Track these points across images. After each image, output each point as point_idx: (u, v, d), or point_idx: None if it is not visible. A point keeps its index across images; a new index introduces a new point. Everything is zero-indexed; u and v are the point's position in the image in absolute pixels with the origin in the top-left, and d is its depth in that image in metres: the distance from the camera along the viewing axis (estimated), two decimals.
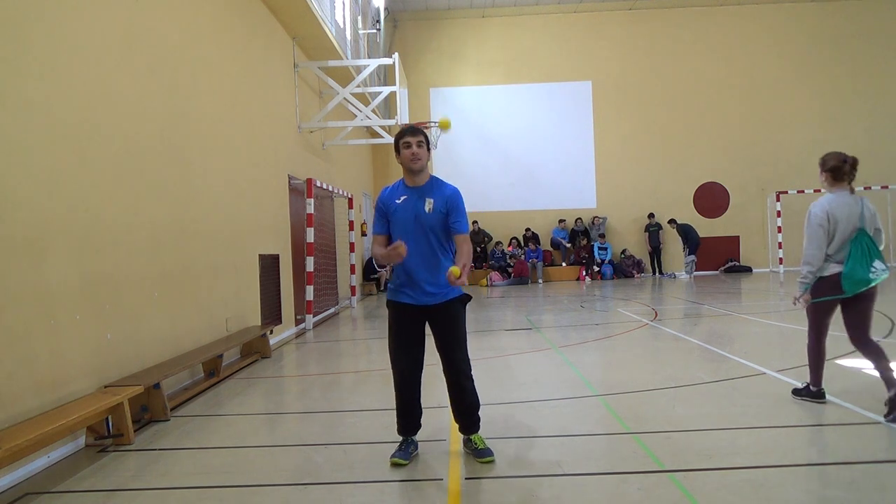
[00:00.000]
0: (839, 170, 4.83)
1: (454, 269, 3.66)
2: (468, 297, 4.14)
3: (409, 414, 4.09)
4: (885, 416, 4.48)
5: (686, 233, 19.07)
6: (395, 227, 4.03)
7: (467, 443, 4.12)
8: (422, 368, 4.09)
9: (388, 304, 4.11)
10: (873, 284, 4.69)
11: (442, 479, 3.75)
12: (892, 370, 4.61)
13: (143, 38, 6.00)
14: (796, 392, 5.19)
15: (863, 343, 4.85)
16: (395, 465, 3.94)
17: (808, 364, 5.08)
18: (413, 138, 3.99)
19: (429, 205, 3.98)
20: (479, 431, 4.12)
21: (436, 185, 4.08)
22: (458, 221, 4.01)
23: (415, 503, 3.46)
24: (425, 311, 4.01)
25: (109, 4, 5.47)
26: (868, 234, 4.70)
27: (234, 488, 3.81)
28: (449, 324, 4.03)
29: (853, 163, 4.82)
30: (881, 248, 4.78)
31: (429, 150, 4.06)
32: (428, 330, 4.09)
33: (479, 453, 3.99)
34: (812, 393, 5.04)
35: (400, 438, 4.14)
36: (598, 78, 20.90)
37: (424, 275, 3.95)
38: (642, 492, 3.46)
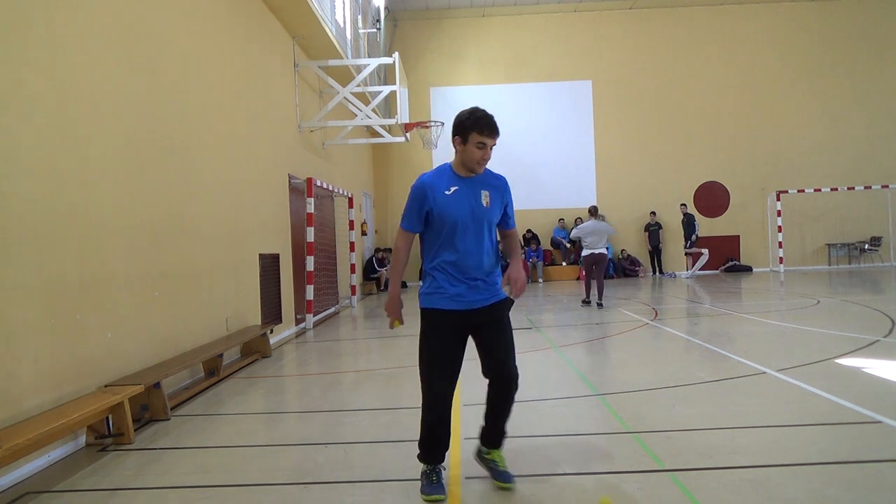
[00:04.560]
0: (591, 213, 12.08)
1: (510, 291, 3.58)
2: (512, 301, 3.70)
3: (440, 439, 3.57)
4: (598, 306, 11.87)
5: (691, 226, 18.97)
6: (445, 221, 3.49)
7: (486, 458, 3.70)
8: (455, 386, 3.60)
9: (425, 312, 3.56)
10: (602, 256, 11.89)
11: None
12: (603, 288, 11.97)
13: (143, 38, 5.99)
14: (584, 302, 12.30)
15: (599, 281, 11.84)
16: (435, 500, 3.42)
17: (585, 289, 12.28)
18: (491, 140, 3.48)
19: (485, 198, 3.55)
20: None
21: (486, 175, 3.62)
22: (512, 216, 3.77)
23: (414, 503, 3.45)
24: (471, 316, 3.53)
25: (109, 3, 5.47)
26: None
27: (234, 487, 3.81)
28: (500, 327, 3.59)
29: (594, 208, 12.23)
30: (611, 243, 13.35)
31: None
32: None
33: (500, 476, 3.58)
34: (587, 302, 12.17)
35: (421, 467, 3.61)
36: (598, 77, 20.91)
37: (477, 272, 3.53)
38: (642, 491, 3.46)
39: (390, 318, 3.71)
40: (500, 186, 3.65)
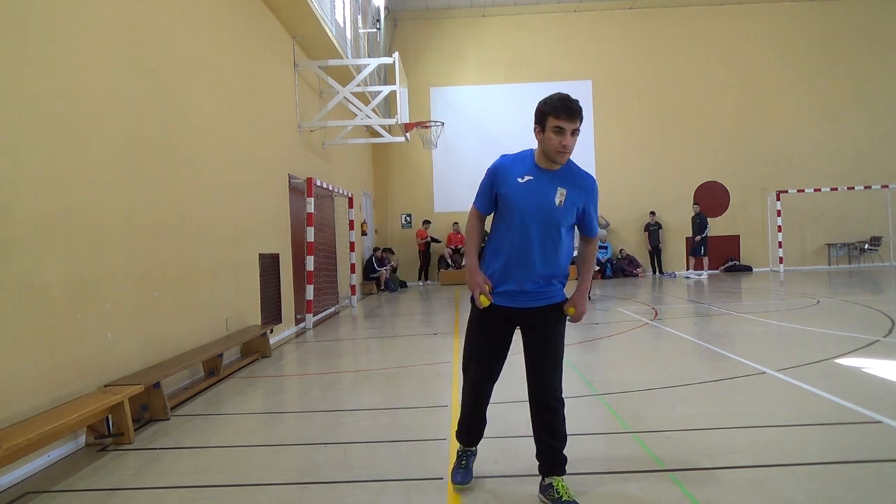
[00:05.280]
0: None
1: (571, 311, 3.35)
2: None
3: (473, 426, 3.62)
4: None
5: (702, 226, 18.58)
6: (510, 211, 3.25)
7: (547, 490, 3.31)
8: (497, 380, 3.54)
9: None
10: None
11: (442, 479, 3.73)
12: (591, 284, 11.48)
13: (143, 38, 5.99)
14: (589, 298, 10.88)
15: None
16: (458, 489, 3.49)
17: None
18: (570, 124, 3.11)
19: (560, 196, 3.21)
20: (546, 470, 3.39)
21: (571, 171, 3.28)
22: (594, 222, 3.39)
23: (415, 503, 3.45)
24: (521, 314, 3.38)
25: (109, 3, 5.47)
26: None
27: (233, 487, 3.81)
28: (547, 333, 3.36)
29: None
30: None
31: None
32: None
33: None
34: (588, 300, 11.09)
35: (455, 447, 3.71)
36: (598, 77, 20.90)
37: (527, 272, 3.28)
38: (642, 491, 3.46)
39: (475, 292, 3.33)
40: (582, 187, 3.28)
